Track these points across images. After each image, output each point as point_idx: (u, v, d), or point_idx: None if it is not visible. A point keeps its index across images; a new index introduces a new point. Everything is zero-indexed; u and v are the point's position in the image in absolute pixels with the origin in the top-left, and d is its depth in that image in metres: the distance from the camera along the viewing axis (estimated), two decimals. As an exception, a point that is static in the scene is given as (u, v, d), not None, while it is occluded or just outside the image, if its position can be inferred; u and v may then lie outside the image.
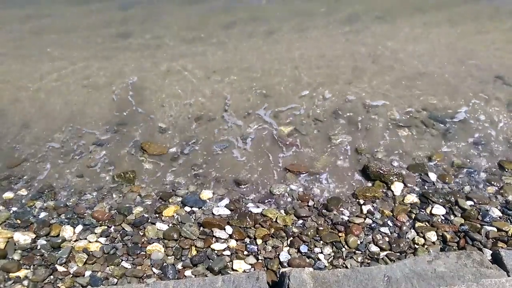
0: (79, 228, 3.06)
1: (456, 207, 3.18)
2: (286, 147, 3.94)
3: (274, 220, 3.09)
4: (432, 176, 3.52)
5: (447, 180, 3.46)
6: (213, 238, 2.95)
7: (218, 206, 3.24)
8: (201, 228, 3.03)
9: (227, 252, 2.85)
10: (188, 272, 2.70)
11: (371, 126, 4.23)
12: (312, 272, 2.32)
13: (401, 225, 3.05)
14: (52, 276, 2.67)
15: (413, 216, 3.12)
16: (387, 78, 5.08)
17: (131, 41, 6.24)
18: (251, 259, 2.79)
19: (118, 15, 7.19)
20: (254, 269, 2.70)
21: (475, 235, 2.89)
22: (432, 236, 2.93)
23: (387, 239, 2.94)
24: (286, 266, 2.73)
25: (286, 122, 4.33)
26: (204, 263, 2.76)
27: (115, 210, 3.23)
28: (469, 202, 3.21)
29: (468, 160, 3.73)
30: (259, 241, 2.92)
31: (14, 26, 6.85)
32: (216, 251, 2.85)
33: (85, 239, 2.97)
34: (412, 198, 3.28)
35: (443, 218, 3.11)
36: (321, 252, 2.84)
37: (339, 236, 2.96)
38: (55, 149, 4.00)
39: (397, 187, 3.38)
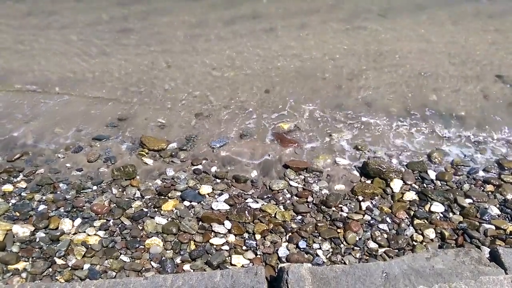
0: (78, 221, 3.05)
1: (455, 204, 3.19)
2: (285, 143, 3.94)
3: (273, 215, 3.09)
4: (431, 174, 3.52)
5: (446, 178, 3.46)
6: (212, 232, 2.95)
7: (217, 201, 3.24)
8: (200, 223, 3.03)
9: (226, 247, 2.85)
10: (186, 267, 2.71)
11: (371, 123, 4.23)
12: (310, 268, 2.32)
13: (399, 222, 3.05)
14: (50, 269, 2.67)
15: (412, 213, 3.12)
16: (388, 75, 5.08)
17: (132, 37, 6.23)
18: (250, 254, 2.80)
19: (119, 11, 7.17)
20: (253, 264, 2.71)
21: (474, 233, 2.90)
22: (430, 233, 2.94)
23: (385, 235, 2.94)
24: (285, 261, 2.73)
25: (286, 118, 4.32)
26: (202, 257, 2.77)
27: (114, 204, 3.22)
28: (468, 200, 3.22)
29: (468, 159, 3.73)
30: (258, 236, 2.93)
31: (15, 21, 6.82)
32: (215, 246, 2.86)
33: (84, 232, 2.96)
34: (411, 195, 3.29)
35: (441, 215, 3.12)
36: (320, 248, 2.85)
37: (338, 232, 2.96)
38: (55, 143, 4.00)
39: (396, 184, 3.39)
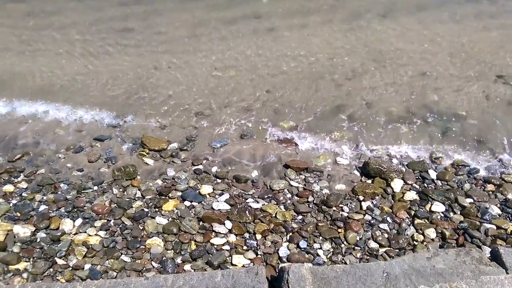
0: (79, 221, 3.06)
1: (456, 204, 3.19)
2: (286, 143, 3.94)
3: (274, 215, 3.09)
4: (432, 174, 3.52)
5: (447, 178, 3.45)
6: (213, 232, 2.95)
7: (218, 201, 3.24)
8: (201, 223, 3.03)
9: (227, 247, 2.85)
10: (187, 267, 2.71)
11: (371, 122, 4.23)
12: (311, 268, 2.32)
13: (400, 222, 3.05)
14: (51, 269, 2.68)
15: (413, 213, 3.12)
16: (388, 75, 5.07)
17: (132, 37, 6.23)
18: (251, 254, 2.80)
19: (119, 11, 7.17)
20: (254, 264, 2.71)
21: (474, 233, 2.90)
22: (431, 233, 2.94)
23: (386, 235, 2.94)
24: (285, 261, 2.74)
25: (287, 117, 4.32)
26: (203, 257, 2.77)
27: (115, 204, 3.22)
28: (469, 200, 3.22)
29: (468, 158, 3.73)
30: (258, 236, 2.93)
31: (16, 21, 6.82)
32: (215, 246, 2.86)
33: (85, 232, 2.97)
34: (411, 195, 3.28)
35: (442, 215, 3.11)
36: (320, 248, 2.85)
37: (339, 232, 2.96)
38: (55, 143, 4.00)
39: (396, 184, 3.38)
